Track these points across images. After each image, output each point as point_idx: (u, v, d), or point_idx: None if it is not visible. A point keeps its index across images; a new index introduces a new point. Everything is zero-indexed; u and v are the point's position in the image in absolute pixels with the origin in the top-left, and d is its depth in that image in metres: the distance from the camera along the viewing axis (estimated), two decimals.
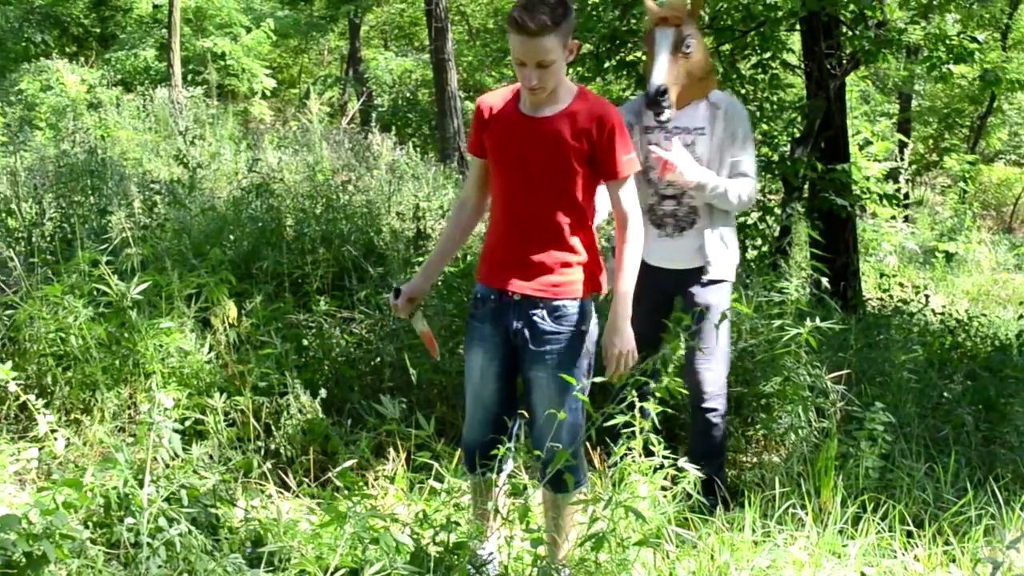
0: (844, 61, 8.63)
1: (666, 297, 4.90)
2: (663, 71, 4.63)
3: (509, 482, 3.98)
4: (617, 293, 3.91)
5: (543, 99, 3.82)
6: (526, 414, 4.07)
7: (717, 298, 4.80)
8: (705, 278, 4.79)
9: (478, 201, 4.18)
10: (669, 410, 5.06)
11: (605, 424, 3.88)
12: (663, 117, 4.67)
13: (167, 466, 4.84)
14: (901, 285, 9.49)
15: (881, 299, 9.30)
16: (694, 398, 4.84)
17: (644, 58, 5.03)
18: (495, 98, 4.00)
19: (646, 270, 4.68)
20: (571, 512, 4.04)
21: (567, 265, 3.90)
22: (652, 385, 4.51)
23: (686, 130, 4.77)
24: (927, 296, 8.74)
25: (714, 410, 4.83)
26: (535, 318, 3.88)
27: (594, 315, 4.01)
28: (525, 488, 3.90)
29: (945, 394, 6.20)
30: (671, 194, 4.79)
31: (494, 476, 3.95)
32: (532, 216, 3.87)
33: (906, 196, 16.69)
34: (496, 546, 4.00)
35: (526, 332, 3.90)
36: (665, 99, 4.62)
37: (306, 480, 5.07)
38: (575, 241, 3.90)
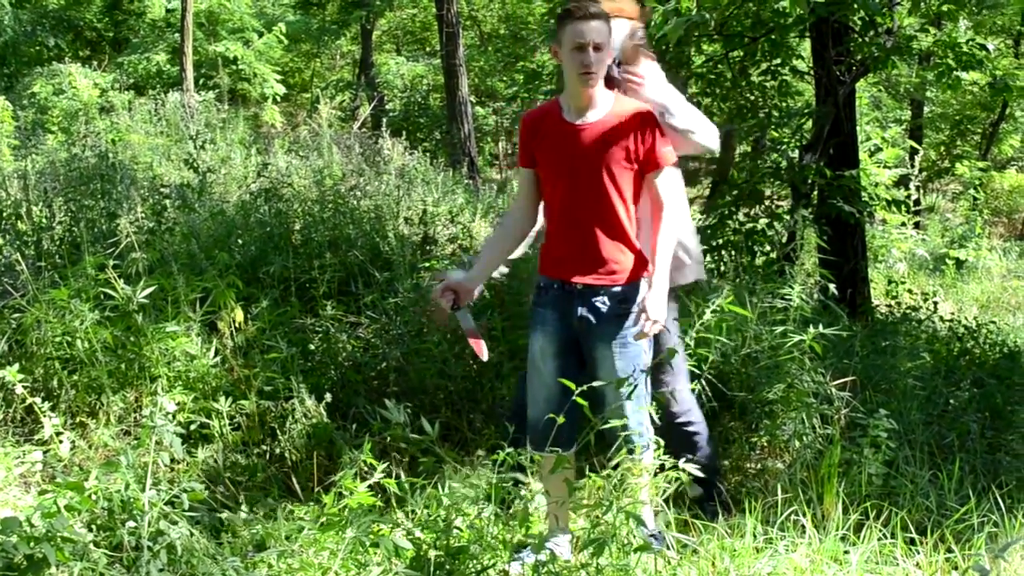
0: (853, 67, 8.62)
1: None
2: None
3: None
4: (658, 269, 4.26)
5: (590, 97, 4.22)
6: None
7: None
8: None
9: (529, 210, 4.56)
10: None
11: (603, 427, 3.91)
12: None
13: (172, 470, 4.88)
14: (910, 292, 9.45)
15: (890, 306, 9.28)
16: (668, 417, 4.78)
17: None
18: (538, 113, 4.43)
19: None
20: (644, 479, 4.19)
21: (622, 253, 4.26)
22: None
23: None
24: (936, 303, 8.70)
25: (689, 423, 4.81)
26: (598, 304, 4.25)
27: None
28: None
29: (951, 401, 6.19)
30: None
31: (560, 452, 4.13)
32: (587, 214, 4.24)
33: (917, 203, 16.65)
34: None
35: (591, 317, 4.26)
36: None
37: (310, 484, 5.09)
38: (626, 231, 4.28)
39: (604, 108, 4.24)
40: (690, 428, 4.83)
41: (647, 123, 4.25)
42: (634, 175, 4.25)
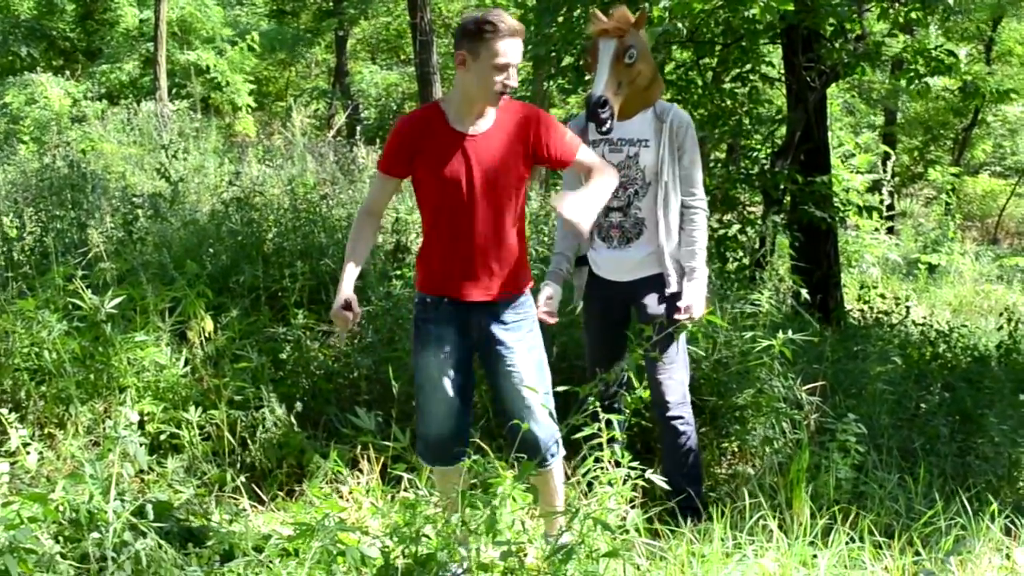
0: (824, 74, 8.65)
1: (619, 308, 4.93)
2: (602, 83, 4.65)
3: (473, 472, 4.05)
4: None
5: (489, 109, 4.08)
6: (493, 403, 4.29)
7: (673, 308, 4.81)
8: (664, 291, 4.79)
9: (381, 214, 4.46)
10: (644, 422, 5.10)
11: (573, 436, 3.92)
12: (604, 128, 4.69)
13: (141, 480, 4.86)
14: (882, 297, 9.49)
15: (862, 310, 9.32)
16: (659, 408, 4.84)
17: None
18: (418, 119, 4.17)
19: (595, 282, 4.78)
20: (558, 478, 4.34)
21: (515, 262, 4.18)
22: (622, 396, 4.56)
23: (631, 141, 4.79)
24: (908, 307, 8.73)
25: (680, 418, 4.81)
26: (497, 314, 4.19)
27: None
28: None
29: (922, 405, 6.21)
30: (617, 206, 4.80)
31: (463, 463, 4.13)
32: (481, 227, 4.09)
33: (890, 208, 16.72)
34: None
35: (492, 327, 4.19)
36: (605, 110, 4.63)
37: (280, 494, 5.08)
38: (516, 242, 4.19)
39: (492, 115, 4.09)
40: (680, 425, 4.83)
41: (540, 122, 4.12)
42: (525, 179, 4.16)
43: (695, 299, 4.66)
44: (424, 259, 4.27)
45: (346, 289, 4.13)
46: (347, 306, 4.11)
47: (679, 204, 4.80)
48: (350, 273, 4.17)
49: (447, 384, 4.22)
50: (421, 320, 4.27)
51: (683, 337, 4.82)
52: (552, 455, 4.26)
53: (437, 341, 4.20)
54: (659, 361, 4.68)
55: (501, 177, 4.07)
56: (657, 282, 4.80)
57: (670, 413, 4.81)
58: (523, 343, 4.20)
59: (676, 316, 4.60)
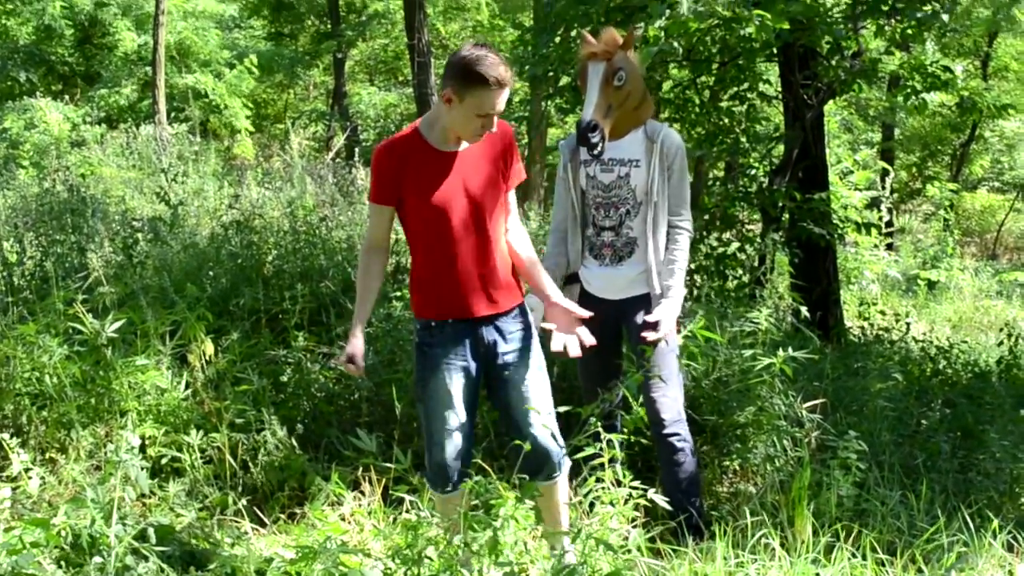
0: (820, 91, 8.67)
1: (610, 326, 4.92)
2: (592, 106, 4.70)
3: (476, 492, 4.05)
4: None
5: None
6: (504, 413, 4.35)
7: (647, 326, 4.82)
8: (652, 307, 4.80)
9: (387, 246, 4.38)
10: (644, 440, 5.10)
11: (574, 456, 3.92)
12: (595, 152, 4.73)
13: (143, 504, 4.86)
14: (882, 313, 9.49)
15: (862, 327, 9.32)
16: (655, 427, 4.84)
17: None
18: (399, 145, 4.13)
19: (587, 300, 4.79)
20: (563, 493, 4.39)
21: (509, 272, 4.25)
22: (622, 416, 4.56)
23: (621, 161, 4.83)
24: (908, 324, 8.74)
25: (676, 435, 4.81)
26: (500, 324, 4.22)
27: None
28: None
29: (923, 421, 6.21)
30: (609, 225, 4.85)
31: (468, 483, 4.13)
32: (478, 242, 4.13)
33: (889, 224, 16.73)
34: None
35: (496, 340, 4.22)
36: (595, 134, 4.67)
37: (282, 516, 5.07)
38: (506, 249, 4.25)
39: None
40: (677, 442, 4.83)
41: (512, 140, 4.22)
42: (505, 198, 4.24)
43: (665, 316, 4.68)
44: (420, 283, 4.23)
45: (353, 342, 4.15)
46: (351, 359, 4.12)
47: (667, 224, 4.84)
48: (359, 322, 4.20)
49: (459, 408, 4.21)
50: (427, 345, 4.22)
51: (676, 355, 4.84)
52: (559, 464, 4.31)
53: (446, 365, 4.18)
54: (653, 380, 4.69)
55: (488, 190, 4.11)
56: (648, 302, 4.82)
57: (666, 431, 4.82)
58: (525, 354, 4.26)
59: (643, 333, 4.61)
